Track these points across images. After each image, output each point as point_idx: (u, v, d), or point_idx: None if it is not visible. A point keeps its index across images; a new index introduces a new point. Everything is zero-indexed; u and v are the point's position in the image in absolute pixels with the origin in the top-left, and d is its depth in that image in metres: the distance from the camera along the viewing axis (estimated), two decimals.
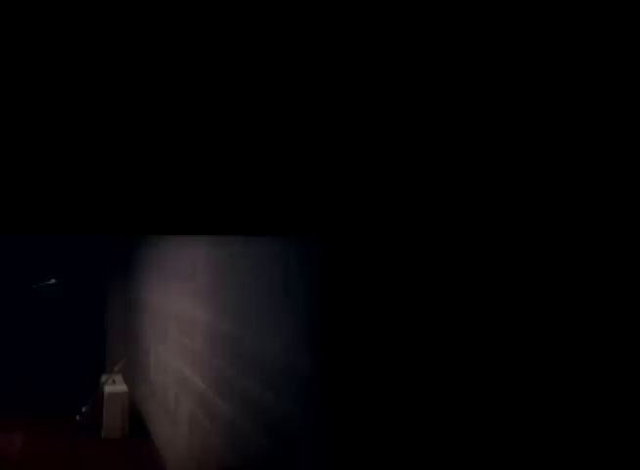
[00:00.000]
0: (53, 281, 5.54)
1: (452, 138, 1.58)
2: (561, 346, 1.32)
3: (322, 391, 2.20)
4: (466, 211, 1.62)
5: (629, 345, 1.17)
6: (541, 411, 1.37)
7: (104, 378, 7.43)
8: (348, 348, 2.11)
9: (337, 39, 1.19)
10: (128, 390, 6.86)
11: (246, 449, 2.81)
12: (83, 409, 6.53)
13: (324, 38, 1.18)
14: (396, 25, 1.15)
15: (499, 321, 1.49)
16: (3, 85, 1.36)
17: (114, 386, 6.53)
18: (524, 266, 1.42)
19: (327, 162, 1.78)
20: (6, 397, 6.94)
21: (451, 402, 1.65)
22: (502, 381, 1.48)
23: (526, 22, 1.15)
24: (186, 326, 4.37)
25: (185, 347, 4.41)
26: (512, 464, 1.46)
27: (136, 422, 6.65)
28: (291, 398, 2.29)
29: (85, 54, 1.23)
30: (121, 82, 1.37)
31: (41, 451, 5.74)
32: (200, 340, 3.87)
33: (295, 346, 2.26)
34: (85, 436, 6.24)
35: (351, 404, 2.09)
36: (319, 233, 2.27)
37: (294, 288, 2.28)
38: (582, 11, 1.11)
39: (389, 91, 1.42)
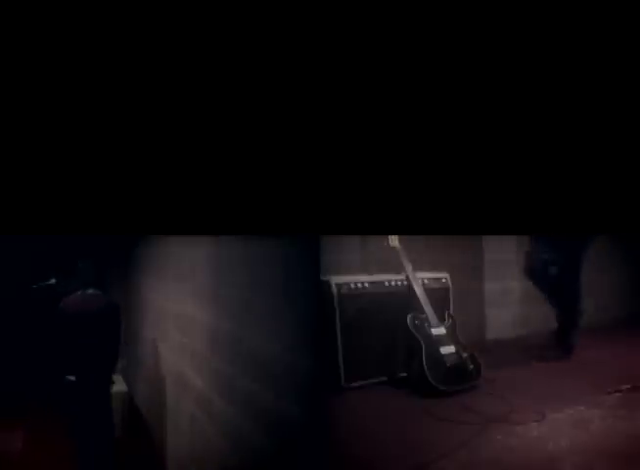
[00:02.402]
0: (53, 281, 5.52)
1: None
2: None
3: (322, 391, 2.20)
4: None
5: None
6: None
7: None
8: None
9: (329, 45, 1.19)
10: (128, 390, 6.86)
11: (246, 449, 2.81)
12: None
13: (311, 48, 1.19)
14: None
15: None
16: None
17: (114, 386, 6.52)
18: None
19: (327, 163, 1.78)
20: (6, 396, 6.94)
21: None
22: None
23: None
24: (186, 326, 4.37)
25: (185, 347, 4.41)
26: None
27: (136, 422, 6.66)
28: (291, 398, 2.29)
29: (87, 54, 1.23)
30: (121, 81, 1.37)
31: (42, 451, 5.74)
32: (200, 340, 3.88)
33: (295, 346, 2.26)
34: None
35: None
36: (319, 233, 2.27)
37: (294, 288, 2.28)
38: None
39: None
